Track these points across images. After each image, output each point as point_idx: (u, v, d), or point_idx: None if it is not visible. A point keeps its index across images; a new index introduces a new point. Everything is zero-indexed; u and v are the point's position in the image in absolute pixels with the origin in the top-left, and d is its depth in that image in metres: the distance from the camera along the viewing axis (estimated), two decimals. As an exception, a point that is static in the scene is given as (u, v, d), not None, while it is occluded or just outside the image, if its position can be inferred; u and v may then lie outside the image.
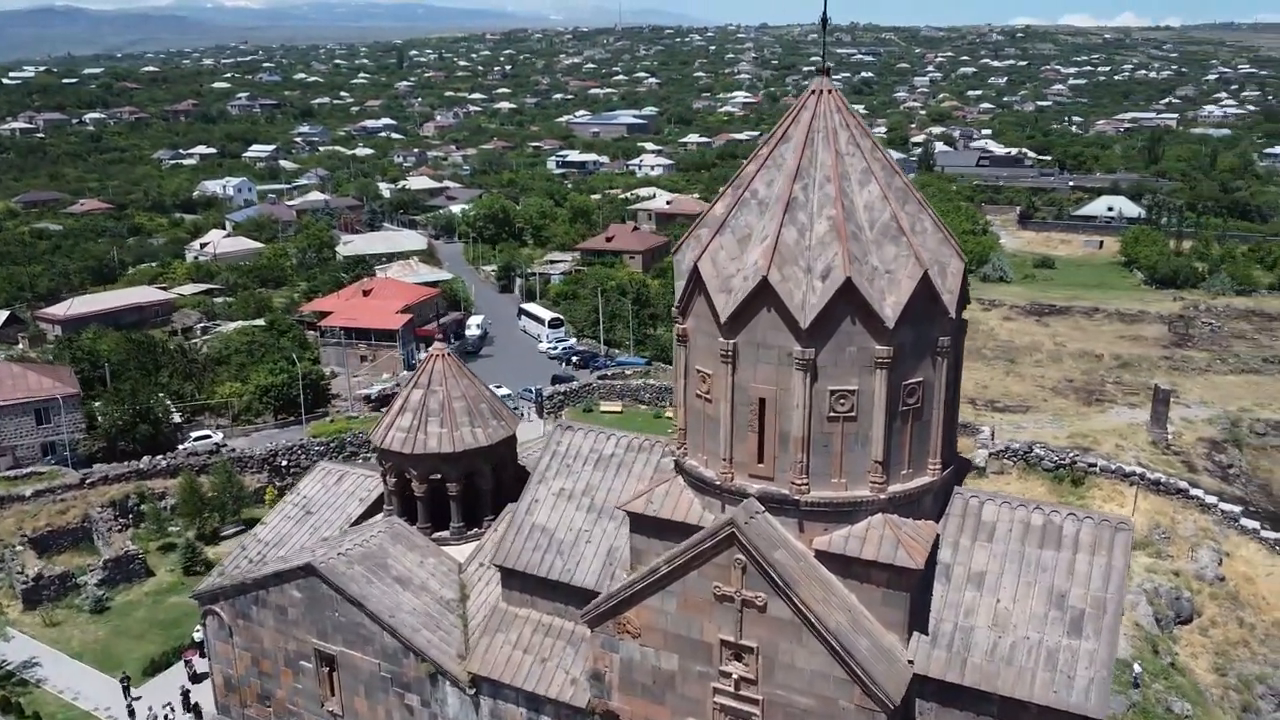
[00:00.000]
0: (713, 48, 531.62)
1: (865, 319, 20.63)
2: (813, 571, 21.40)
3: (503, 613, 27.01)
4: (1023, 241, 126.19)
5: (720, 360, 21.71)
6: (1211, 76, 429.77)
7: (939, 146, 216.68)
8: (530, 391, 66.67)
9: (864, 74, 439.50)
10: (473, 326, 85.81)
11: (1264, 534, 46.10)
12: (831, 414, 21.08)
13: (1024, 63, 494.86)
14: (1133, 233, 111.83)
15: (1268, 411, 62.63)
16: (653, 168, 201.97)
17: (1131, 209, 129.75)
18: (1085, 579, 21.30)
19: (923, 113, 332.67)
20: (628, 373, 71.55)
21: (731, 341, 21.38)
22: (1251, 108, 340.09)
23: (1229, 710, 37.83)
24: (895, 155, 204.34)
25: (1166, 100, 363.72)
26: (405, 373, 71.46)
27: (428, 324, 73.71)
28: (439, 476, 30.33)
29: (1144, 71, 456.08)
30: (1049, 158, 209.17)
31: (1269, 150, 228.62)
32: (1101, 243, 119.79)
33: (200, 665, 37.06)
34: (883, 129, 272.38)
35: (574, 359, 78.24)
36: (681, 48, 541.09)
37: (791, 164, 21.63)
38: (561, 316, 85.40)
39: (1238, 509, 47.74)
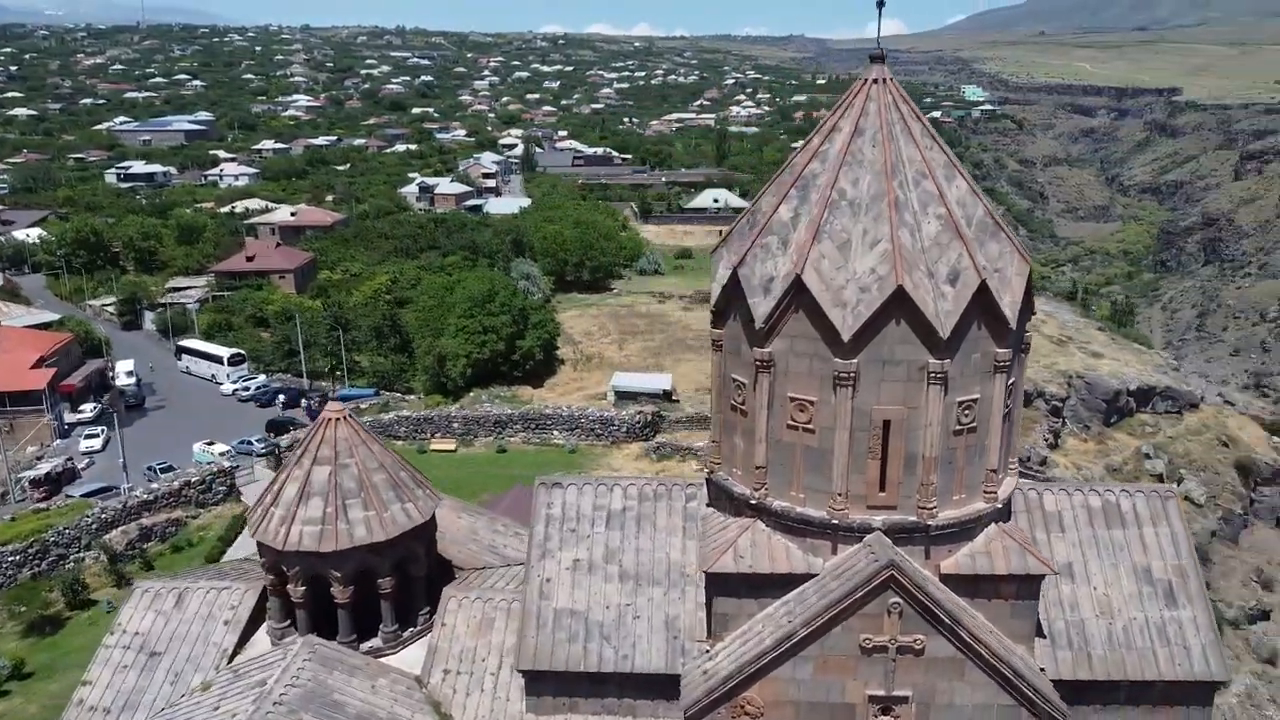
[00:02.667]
0: (258, 49, 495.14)
1: (991, 322, 19.38)
2: (955, 599, 19.79)
3: (528, 726, 21.89)
4: (651, 235, 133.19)
5: (834, 384, 19.17)
6: (730, 81, 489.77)
7: (536, 148, 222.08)
8: (249, 444, 56.33)
9: (424, 77, 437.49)
10: (123, 375, 70.52)
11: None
12: (956, 427, 19.57)
13: (570, 68, 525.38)
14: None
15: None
16: (236, 177, 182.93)
17: (735, 200, 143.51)
18: (1158, 551, 22.07)
19: (491, 115, 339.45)
20: (363, 406, 63.31)
21: (852, 361, 18.94)
22: (767, 108, 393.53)
23: None
24: (493, 157, 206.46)
25: (699, 102, 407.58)
26: (60, 441, 56.76)
27: (67, 378, 59.12)
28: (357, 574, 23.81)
29: (675, 77, 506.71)
30: (629, 156, 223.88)
31: (794, 145, 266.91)
32: (722, 231, 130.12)
33: None
34: (461, 132, 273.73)
35: (280, 398, 67.45)
36: (222, 48, 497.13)
37: (878, 159, 19.63)
38: (243, 351, 73.21)
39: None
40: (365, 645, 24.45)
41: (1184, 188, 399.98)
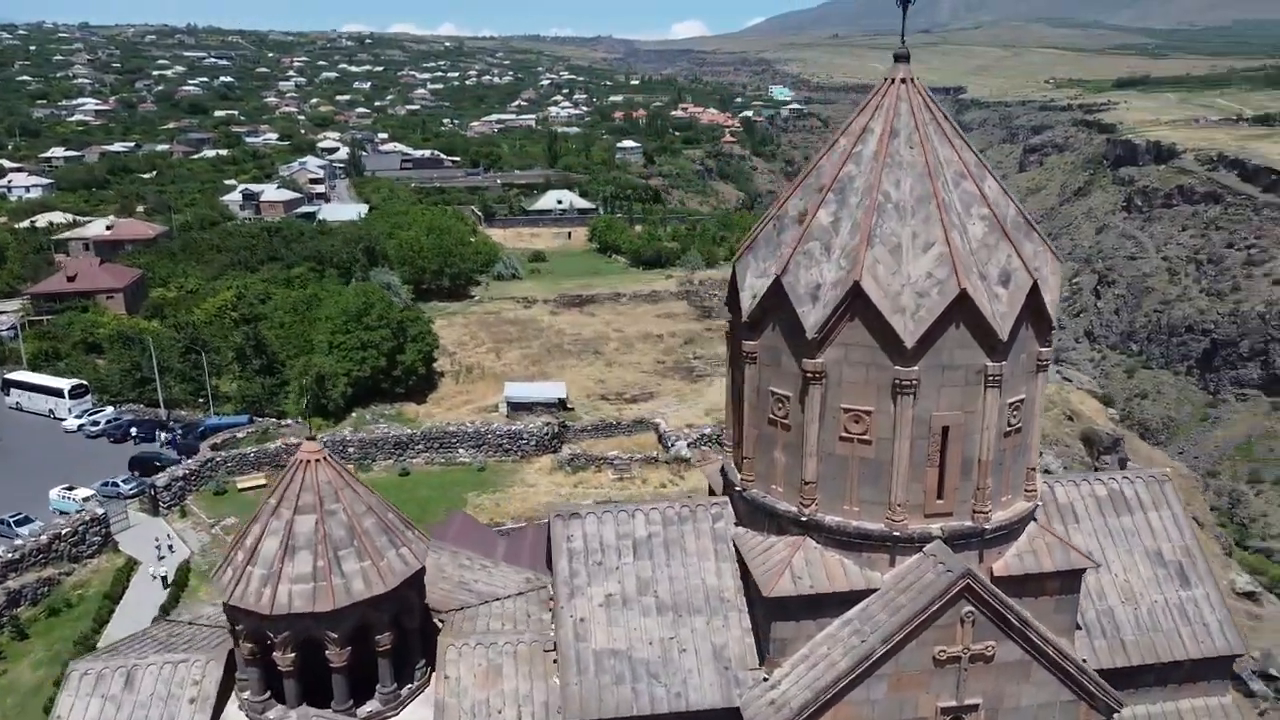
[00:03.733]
0: (33, 48, 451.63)
1: (1037, 322, 19.39)
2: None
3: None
4: (498, 239, 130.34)
5: (894, 393, 18.64)
6: (545, 82, 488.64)
7: (361, 151, 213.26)
8: (115, 485, 50.42)
9: (224, 78, 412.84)
10: (-63, 419, 61.82)
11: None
12: (1007, 429, 19.47)
13: (380, 68, 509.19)
14: (603, 221, 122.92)
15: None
16: (27, 188, 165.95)
17: (580, 202, 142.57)
18: (1165, 534, 22.86)
19: (301, 117, 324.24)
20: (239, 435, 57.74)
21: (914, 368, 18.46)
22: (585, 108, 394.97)
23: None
24: (316, 162, 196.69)
25: (517, 103, 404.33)
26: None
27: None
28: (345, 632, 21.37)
29: (489, 77, 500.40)
30: (458, 158, 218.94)
31: (620, 145, 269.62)
32: (570, 233, 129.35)
33: None
34: (273, 136, 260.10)
35: (133, 431, 60.56)
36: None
37: (918, 161, 19.26)
38: (85, 382, 65.37)
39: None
40: (363, 710, 21.99)
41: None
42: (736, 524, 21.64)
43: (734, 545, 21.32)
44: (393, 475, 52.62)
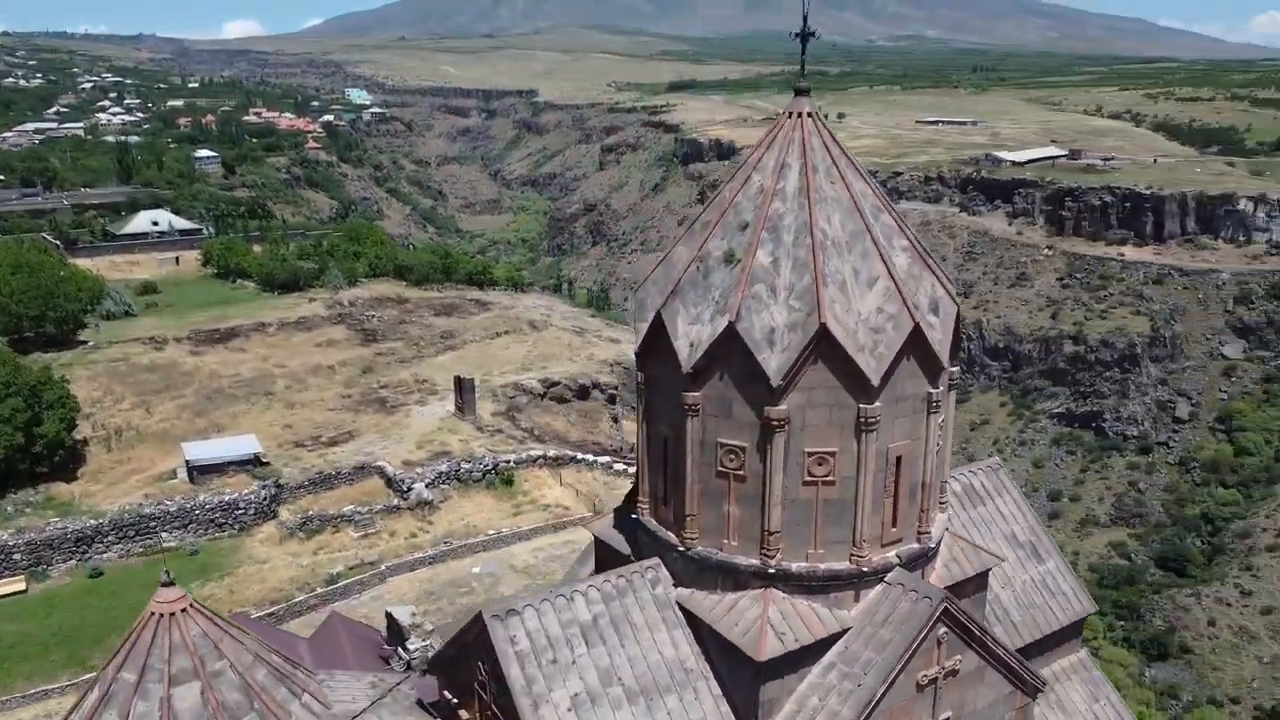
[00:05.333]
0: None
1: (955, 343, 20.33)
2: (958, 611, 20.57)
3: None
4: (91, 270, 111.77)
5: (857, 431, 18.57)
6: (87, 85, 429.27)
7: None
8: None
9: None
10: None
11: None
12: (937, 448, 20.28)
13: None
14: (221, 243, 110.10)
15: (510, 375, 72.59)
16: None
17: (180, 222, 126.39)
18: (1014, 517, 25.30)
19: None
20: None
21: (876, 405, 18.50)
22: (141, 114, 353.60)
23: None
24: None
25: (55, 110, 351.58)
26: None
27: None
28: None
29: (13, 80, 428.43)
30: (2, 176, 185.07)
31: (196, 154, 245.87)
32: (178, 258, 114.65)
33: None
34: None
35: None
36: None
37: (843, 195, 19.34)
38: None
39: (606, 458, 55.85)
40: None
41: (558, 178, 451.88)
42: (676, 585, 20.35)
43: (679, 610, 20.05)
44: (81, 579, 42.30)
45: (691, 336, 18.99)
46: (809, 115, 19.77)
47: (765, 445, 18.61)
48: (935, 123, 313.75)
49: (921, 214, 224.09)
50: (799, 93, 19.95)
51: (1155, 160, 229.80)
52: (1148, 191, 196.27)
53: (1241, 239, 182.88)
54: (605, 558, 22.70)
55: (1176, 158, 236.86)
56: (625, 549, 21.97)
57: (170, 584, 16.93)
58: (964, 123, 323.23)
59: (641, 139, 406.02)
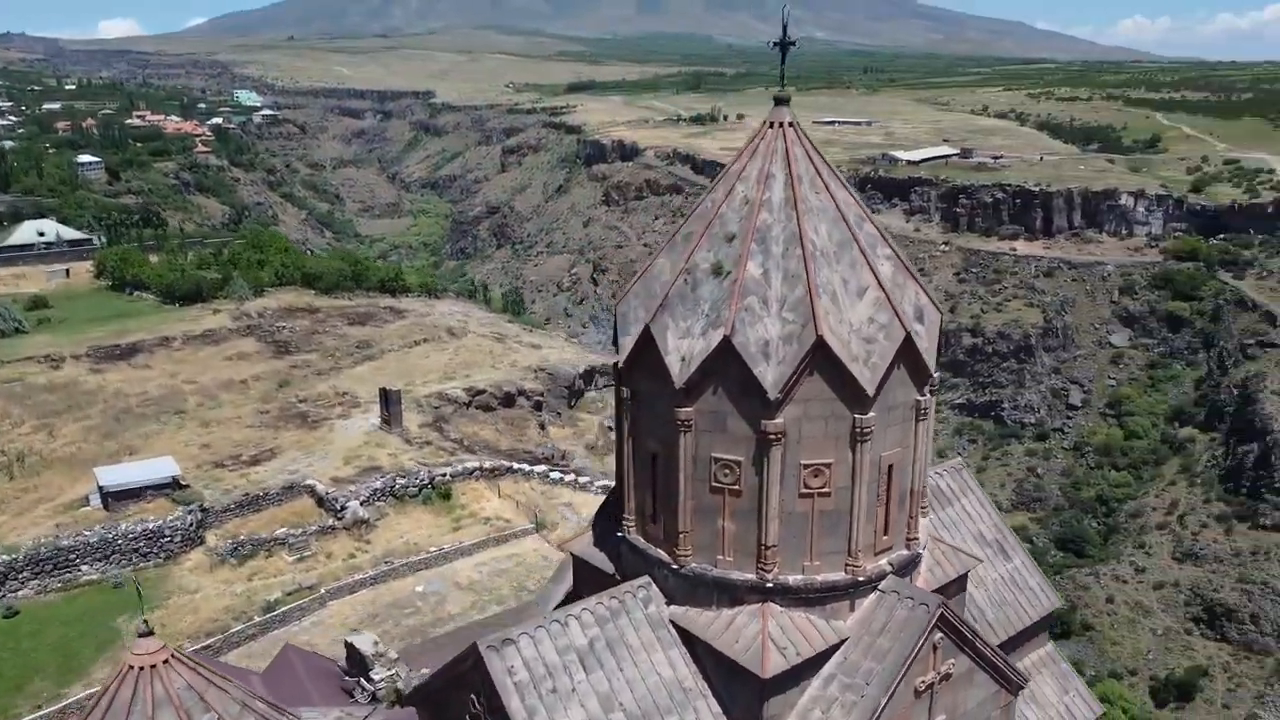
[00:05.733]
0: None
1: (938, 352, 20.51)
2: (945, 615, 20.79)
3: None
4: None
5: (852, 441, 18.58)
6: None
7: None
8: None
9: None
10: None
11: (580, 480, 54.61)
12: (924, 454, 20.46)
13: None
14: (115, 254, 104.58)
15: (433, 385, 70.87)
16: None
17: (68, 233, 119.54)
18: (980, 516, 25.76)
19: None
20: None
21: (871, 415, 18.54)
22: (15, 117, 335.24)
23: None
24: None
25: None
26: None
27: None
28: None
29: None
30: None
31: (78, 159, 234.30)
32: (69, 270, 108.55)
33: None
34: None
35: None
36: None
37: (828, 205, 19.33)
38: None
39: (542, 467, 55.02)
40: None
41: (458, 180, 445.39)
42: (668, 603, 20.02)
43: (673, 628, 19.74)
44: (-6, 619, 39.60)
45: (683, 351, 18.68)
46: (791, 125, 19.67)
47: (761, 459, 18.44)
48: (832, 123, 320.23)
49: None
50: (779, 102, 19.84)
51: (1041, 158, 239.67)
52: (1036, 189, 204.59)
53: (1124, 232, 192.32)
54: (587, 577, 22.20)
55: (1060, 155, 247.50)
56: (609, 568, 21.53)
57: (149, 634, 15.75)
58: (859, 123, 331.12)
59: (543, 140, 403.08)
